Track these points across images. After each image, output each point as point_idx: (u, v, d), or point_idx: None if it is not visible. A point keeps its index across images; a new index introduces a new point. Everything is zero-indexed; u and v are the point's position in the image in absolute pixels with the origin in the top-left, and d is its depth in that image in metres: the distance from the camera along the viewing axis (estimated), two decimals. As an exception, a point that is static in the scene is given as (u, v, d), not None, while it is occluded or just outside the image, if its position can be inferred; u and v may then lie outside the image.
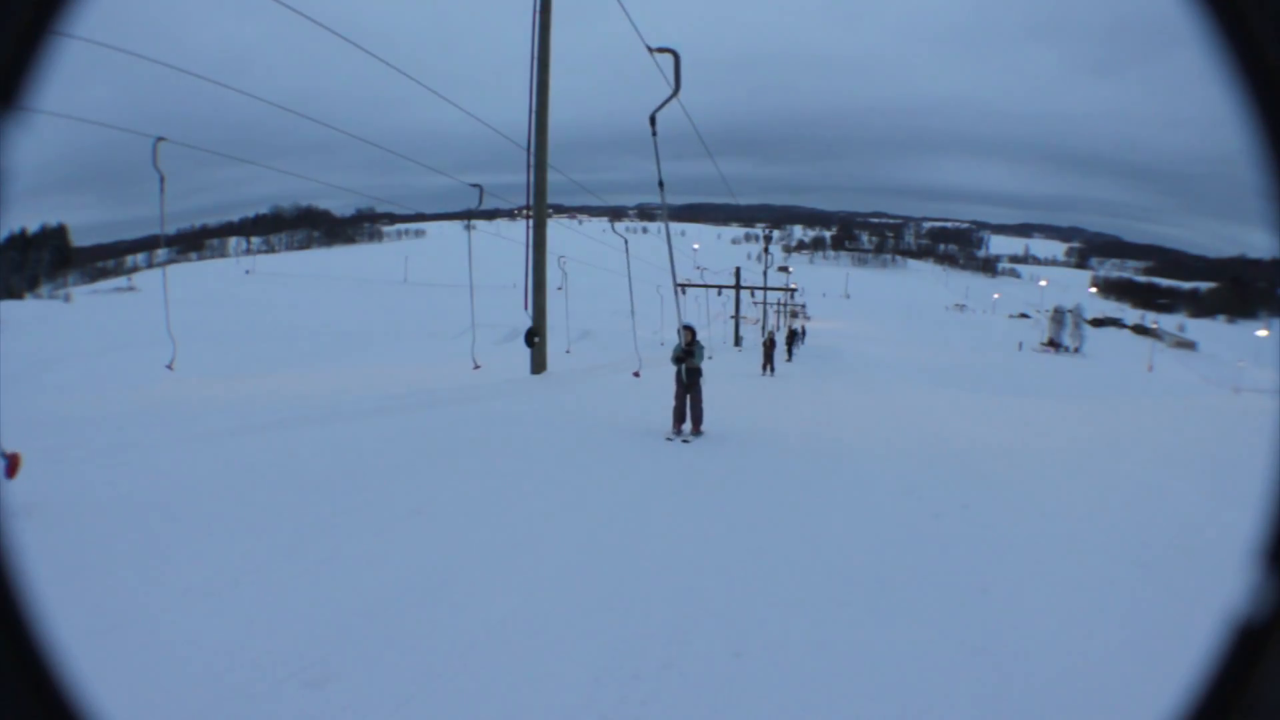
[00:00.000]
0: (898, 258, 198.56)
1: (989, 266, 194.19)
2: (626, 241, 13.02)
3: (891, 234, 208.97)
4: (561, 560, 3.52)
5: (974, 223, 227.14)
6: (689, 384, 7.40)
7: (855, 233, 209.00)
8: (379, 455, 5.55)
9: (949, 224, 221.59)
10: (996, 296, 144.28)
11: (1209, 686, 0.67)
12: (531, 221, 12.25)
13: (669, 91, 8.01)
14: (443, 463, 5.47)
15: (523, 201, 12.27)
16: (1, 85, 0.71)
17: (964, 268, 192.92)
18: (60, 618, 0.96)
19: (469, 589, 3.11)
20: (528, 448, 6.20)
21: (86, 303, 61.34)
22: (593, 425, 7.49)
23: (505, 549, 3.63)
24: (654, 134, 7.81)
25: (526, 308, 12.13)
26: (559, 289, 12.89)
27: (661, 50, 8.19)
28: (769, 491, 5.11)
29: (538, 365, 12.24)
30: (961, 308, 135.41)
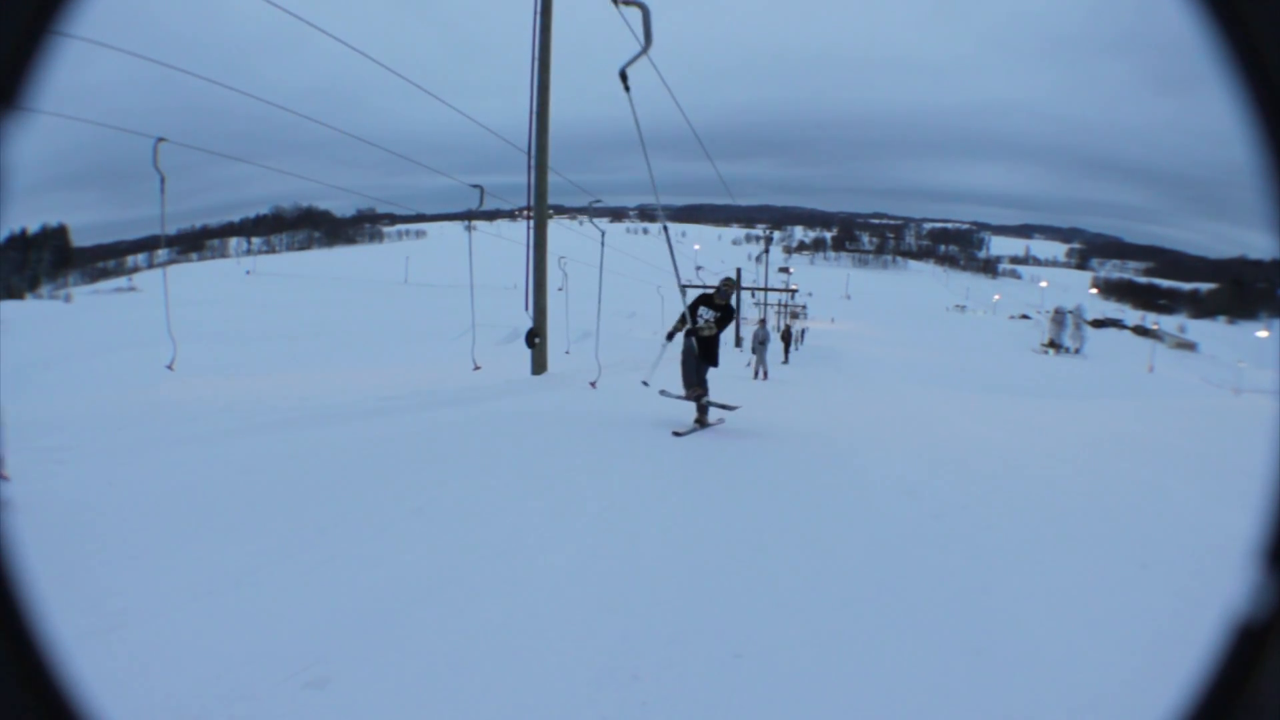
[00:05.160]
0: (898, 259, 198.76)
1: (989, 267, 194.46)
2: (604, 234, 13.06)
3: (892, 235, 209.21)
4: (562, 560, 3.51)
5: (974, 224, 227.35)
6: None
7: (856, 233, 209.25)
8: (379, 456, 5.54)
9: (949, 225, 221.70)
10: (997, 298, 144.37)
11: (1209, 686, 0.67)
12: (532, 222, 12.25)
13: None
14: (443, 463, 5.46)
15: (523, 202, 12.28)
16: (1, 85, 0.71)
17: (964, 269, 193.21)
18: (59, 618, 0.96)
19: (469, 589, 3.11)
20: (528, 448, 6.20)
21: (87, 303, 61.33)
22: (594, 426, 7.48)
23: (506, 549, 3.63)
24: (626, 89, 7.52)
25: (527, 308, 12.13)
26: (560, 290, 12.88)
27: (629, 3, 7.67)
28: (768, 493, 5.11)
29: (538, 366, 12.23)
30: (962, 309, 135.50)
